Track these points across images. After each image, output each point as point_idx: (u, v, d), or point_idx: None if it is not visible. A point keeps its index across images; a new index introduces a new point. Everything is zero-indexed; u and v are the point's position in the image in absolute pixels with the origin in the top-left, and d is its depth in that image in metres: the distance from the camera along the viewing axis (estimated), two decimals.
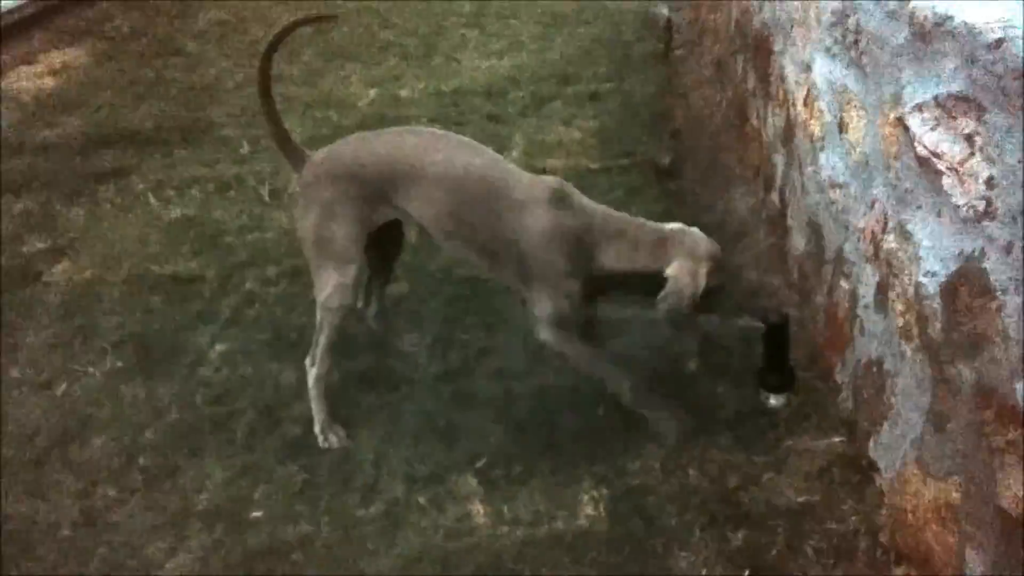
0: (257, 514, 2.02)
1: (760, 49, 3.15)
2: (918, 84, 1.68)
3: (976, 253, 1.47)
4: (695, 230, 2.09)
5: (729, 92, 3.75)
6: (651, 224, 2.11)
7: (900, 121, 1.76)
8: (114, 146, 3.81)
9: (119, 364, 2.52)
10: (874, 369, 1.97)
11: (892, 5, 1.82)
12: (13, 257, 3.04)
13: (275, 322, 2.66)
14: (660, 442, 2.13)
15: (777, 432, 2.15)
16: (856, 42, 2.07)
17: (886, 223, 1.87)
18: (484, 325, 2.59)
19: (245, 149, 3.71)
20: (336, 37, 4.92)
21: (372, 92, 4.24)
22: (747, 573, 1.82)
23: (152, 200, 3.39)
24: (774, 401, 2.23)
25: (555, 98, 4.07)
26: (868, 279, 2.00)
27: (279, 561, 1.91)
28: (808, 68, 2.48)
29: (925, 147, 1.63)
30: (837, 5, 2.20)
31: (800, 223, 2.57)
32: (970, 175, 1.48)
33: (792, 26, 2.69)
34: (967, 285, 1.51)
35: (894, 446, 1.85)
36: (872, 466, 1.96)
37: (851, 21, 2.10)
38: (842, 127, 2.19)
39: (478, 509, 2.00)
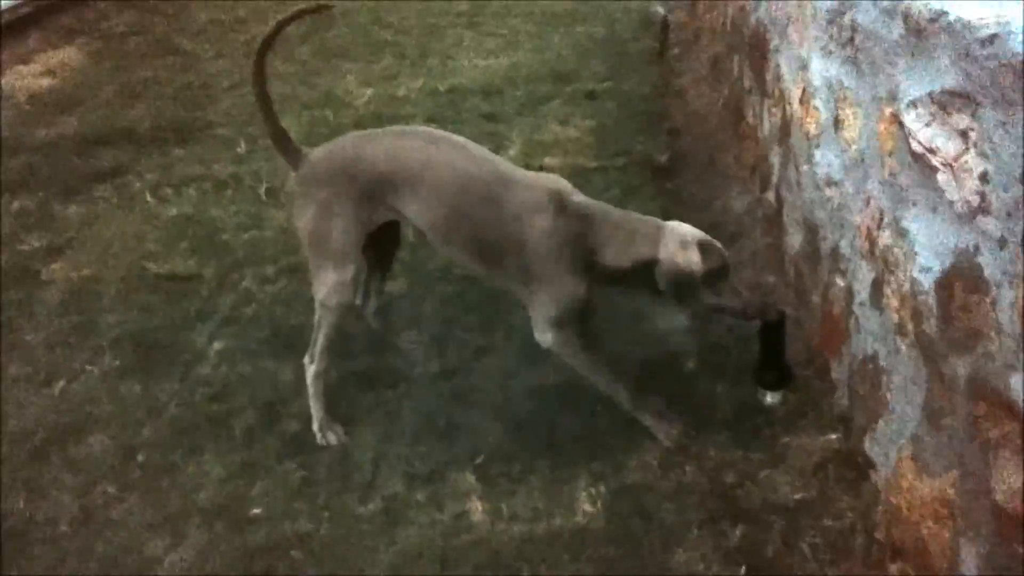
0: (256, 511, 2.02)
1: (756, 47, 3.16)
2: (913, 80, 1.69)
3: (971, 248, 1.48)
4: (686, 225, 2.11)
5: (725, 90, 3.76)
6: (647, 217, 2.13)
7: (895, 117, 1.77)
8: (111, 145, 3.82)
9: (117, 362, 2.52)
10: (870, 366, 1.98)
11: (887, 3, 1.83)
12: (11, 256, 3.04)
13: (273, 320, 2.66)
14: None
15: (774, 429, 2.16)
16: (852, 39, 2.08)
17: (881, 220, 1.88)
18: (483, 323, 2.60)
19: (242, 148, 3.71)
20: (333, 36, 4.93)
21: (369, 91, 4.24)
22: (744, 569, 1.83)
23: (149, 199, 3.39)
24: (771, 399, 2.24)
25: (552, 97, 4.08)
26: (864, 276, 2.01)
27: (278, 558, 1.91)
28: (804, 66, 2.49)
29: (920, 143, 1.64)
30: (833, 3, 2.22)
31: (796, 221, 2.57)
32: (965, 171, 1.49)
33: (788, 24, 2.71)
34: (962, 280, 1.52)
35: (890, 442, 1.86)
36: (868, 462, 1.97)
37: (846, 18, 2.11)
38: (838, 124, 2.20)
39: (477, 506, 2.01)
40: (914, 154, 1.68)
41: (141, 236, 3.15)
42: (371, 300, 2.50)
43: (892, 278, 1.82)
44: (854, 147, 2.08)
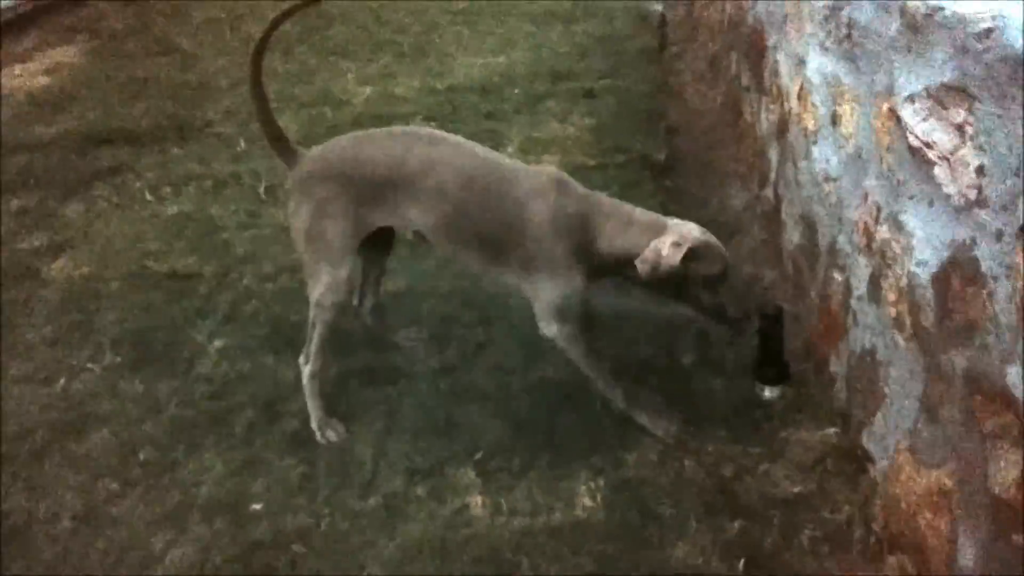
0: (257, 507, 2.03)
1: (754, 45, 3.17)
2: (910, 75, 1.70)
3: (967, 241, 1.49)
4: (693, 223, 2.11)
5: (723, 88, 3.77)
6: (651, 212, 2.13)
7: (892, 112, 1.78)
8: (110, 144, 3.82)
9: (118, 360, 2.53)
10: (867, 360, 1.99)
11: None
12: (11, 255, 3.05)
13: (273, 318, 2.67)
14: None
15: (772, 424, 2.17)
16: (848, 35, 2.09)
17: (879, 214, 1.89)
18: (482, 320, 2.60)
19: (241, 147, 3.72)
20: (331, 35, 4.93)
21: (367, 90, 4.24)
22: (743, 562, 1.84)
23: (149, 197, 3.40)
24: (769, 393, 2.25)
25: (550, 95, 4.08)
26: (861, 271, 2.02)
27: (279, 553, 1.92)
28: (801, 62, 2.50)
29: (917, 137, 1.65)
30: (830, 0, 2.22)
31: (794, 217, 2.58)
32: (961, 164, 1.50)
33: (785, 21, 2.72)
34: (958, 273, 1.53)
35: (887, 436, 1.87)
36: (866, 456, 1.98)
37: (843, 14, 2.12)
38: (835, 120, 2.21)
39: (476, 501, 2.02)
40: (911, 148, 1.69)
41: (141, 235, 3.16)
42: (367, 299, 2.51)
43: (890, 272, 1.83)
44: (851, 142, 2.09)
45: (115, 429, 2.28)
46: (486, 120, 3.85)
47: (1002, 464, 1.41)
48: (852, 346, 2.08)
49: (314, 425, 2.23)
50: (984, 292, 1.45)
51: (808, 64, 2.42)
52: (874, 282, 1.94)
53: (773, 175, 2.86)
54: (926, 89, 1.63)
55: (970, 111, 1.48)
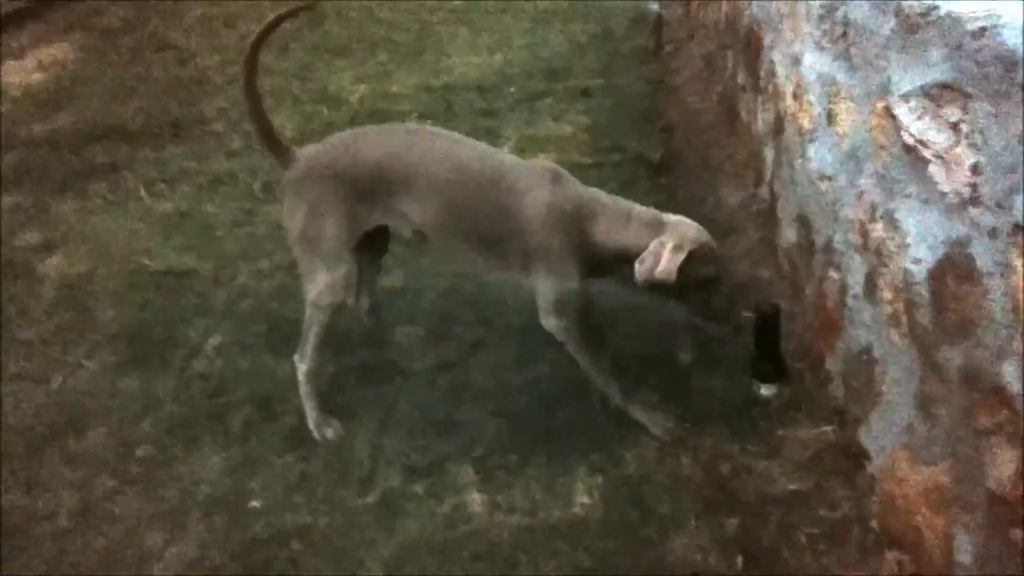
0: (255, 504, 2.03)
1: (750, 44, 3.18)
2: (905, 74, 1.71)
3: (962, 239, 1.50)
4: (690, 220, 2.11)
5: (719, 87, 3.78)
6: (648, 209, 2.13)
7: (887, 111, 1.79)
8: (105, 141, 3.81)
9: (114, 357, 2.52)
10: (864, 358, 2.00)
11: None
12: (6, 252, 3.04)
13: (269, 315, 2.67)
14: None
15: (769, 421, 2.18)
16: (844, 34, 2.10)
17: (874, 212, 1.90)
18: (479, 318, 2.60)
19: (236, 144, 3.71)
20: (326, 32, 4.92)
21: (363, 87, 4.24)
22: (740, 559, 1.85)
23: (144, 194, 3.39)
24: (766, 391, 2.26)
25: (546, 94, 4.08)
26: (857, 269, 2.03)
27: (278, 550, 1.92)
28: (797, 62, 2.50)
29: (912, 136, 1.66)
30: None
31: (790, 216, 2.59)
32: (956, 162, 1.51)
33: (781, 21, 2.72)
34: (954, 271, 1.54)
35: (884, 433, 1.89)
36: (863, 453, 1.99)
37: (839, 13, 2.13)
38: (831, 119, 2.22)
39: (475, 498, 2.02)
40: (906, 147, 1.70)
41: (136, 232, 3.15)
42: (364, 298, 2.51)
43: (885, 270, 1.84)
44: (847, 141, 2.10)
45: (112, 427, 2.28)
46: (482, 118, 3.85)
47: (998, 460, 1.43)
48: (848, 344, 2.09)
49: (311, 424, 2.23)
50: (979, 289, 1.46)
51: (804, 63, 2.43)
52: (870, 280, 1.95)
53: (769, 174, 2.87)
54: (921, 88, 1.64)
55: (965, 109, 1.49)
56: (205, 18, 5.24)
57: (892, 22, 1.78)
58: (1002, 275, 1.40)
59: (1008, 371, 1.39)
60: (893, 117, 1.77)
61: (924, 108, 1.64)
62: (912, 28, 1.68)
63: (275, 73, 4.31)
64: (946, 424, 1.60)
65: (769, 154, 2.87)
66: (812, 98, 2.37)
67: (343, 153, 2.18)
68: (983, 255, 1.45)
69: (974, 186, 1.47)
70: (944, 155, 1.56)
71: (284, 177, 2.22)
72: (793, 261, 2.56)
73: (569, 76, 4.25)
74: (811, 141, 2.37)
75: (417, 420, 2.25)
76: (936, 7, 1.58)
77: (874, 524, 1.86)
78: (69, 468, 2.15)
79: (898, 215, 1.77)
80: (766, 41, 2.93)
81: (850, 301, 2.08)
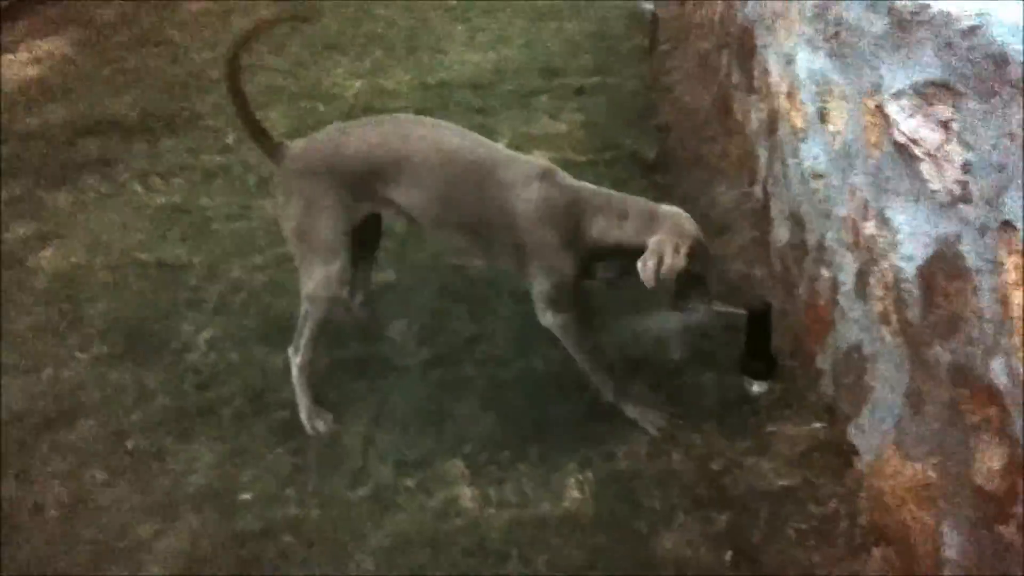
0: (246, 496, 2.03)
1: (744, 43, 3.19)
2: (897, 72, 1.72)
3: (952, 236, 1.51)
4: (683, 212, 2.12)
5: (714, 86, 3.78)
6: (640, 200, 2.13)
7: (879, 109, 1.80)
8: (99, 135, 3.80)
9: (106, 350, 2.52)
10: (854, 355, 2.01)
11: None
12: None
13: (262, 308, 2.67)
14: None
15: (760, 418, 2.19)
16: (837, 33, 2.11)
17: (866, 210, 1.91)
18: (472, 313, 2.61)
19: (230, 139, 3.70)
20: (322, 29, 4.91)
21: (358, 84, 4.24)
22: (730, 554, 1.86)
23: (137, 188, 3.38)
24: (757, 388, 2.27)
25: (541, 92, 4.08)
26: (848, 267, 2.04)
27: (268, 542, 1.92)
28: (790, 61, 2.51)
29: (903, 134, 1.67)
30: None
31: (783, 214, 2.60)
32: (947, 160, 1.52)
33: (775, 20, 2.73)
34: (944, 268, 1.55)
35: (873, 429, 1.90)
36: (852, 450, 2.01)
37: (832, 13, 2.14)
38: (824, 118, 2.23)
39: (466, 492, 2.03)
40: (898, 145, 1.71)
41: (129, 225, 3.14)
42: (358, 292, 2.51)
43: (876, 268, 1.85)
44: (839, 140, 2.11)
45: (103, 418, 2.27)
46: (477, 115, 3.85)
47: (986, 456, 1.44)
48: (839, 341, 2.10)
49: (303, 416, 2.23)
50: (969, 286, 1.48)
51: (797, 62, 2.44)
52: (861, 278, 1.96)
53: (762, 172, 2.88)
54: (912, 86, 1.65)
55: (955, 108, 1.51)
56: (199, 14, 5.23)
57: (884, 21, 1.79)
58: (991, 272, 1.42)
59: (996, 367, 1.40)
60: (885, 115, 1.78)
61: (915, 106, 1.65)
62: (904, 27, 1.69)
63: (270, 69, 4.31)
64: (935, 420, 1.61)
65: (763, 153, 2.88)
66: (805, 97, 2.38)
67: (334, 145, 2.18)
68: (972, 252, 1.46)
69: (964, 184, 1.48)
70: (935, 153, 1.57)
71: (277, 172, 2.22)
72: (786, 259, 2.57)
73: (564, 74, 4.26)
74: (804, 140, 2.39)
75: (409, 414, 2.25)
76: (927, 6, 1.59)
77: (863, 520, 1.87)
78: (60, 459, 2.15)
79: (889, 213, 1.78)
80: (760, 40, 2.94)
81: (841, 299, 2.09)
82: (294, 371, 2.24)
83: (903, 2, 1.68)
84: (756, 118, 2.99)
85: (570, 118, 3.83)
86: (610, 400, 2.19)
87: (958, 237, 1.50)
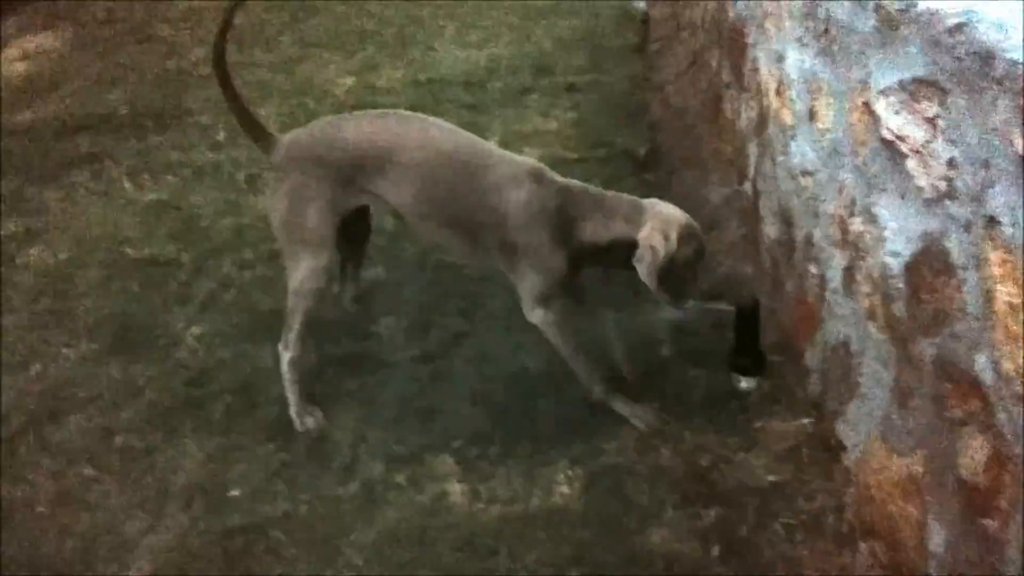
0: (235, 492, 2.03)
1: (734, 42, 3.20)
2: (884, 70, 1.73)
3: (938, 232, 1.52)
4: (668, 203, 2.13)
5: (704, 85, 3.80)
6: (626, 196, 2.15)
7: (867, 107, 1.81)
8: (88, 131, 3.79)
9: (94, 346, 2.51)
10: (841, 351, 2.02)
11: None
12: None
13: (252, 305, 2.66)
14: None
15: (748, 414, 2.20)
16: (826, 31, 2.12)
17: (853, 207, 1.92)
18: (462, 309, 2.61)
19: (221, 136, 3.69)
20: (313, 26, 4.91)
21: (349, 80, 4.23)
22: (718, 549, 1.86)
23: (127, 185, 3.37)
24: (745, 384, 2.28)
25: (533, 89, 4.09)
26: (836, 263, 2.05)
27: (257, 538, 1.92)
28: (780, 59, 2.52)
29: (890, 131, 1.68)
30: None
31: (772, 211, 2.62)
32: (933, 157, 1.53)
33: (765, 18, 2.74)
34: (929, 264, 1.56)
35: (860, 424, 1.91)
36: (840, 445, 2.02)
37: (821, 11, 2.15)
38: (812, 115, 2.24)
39: (455, 488, 2.03)
40: (884, 142, 1.72)
41: (118, 221, 3.13)
42: (347, 288, 2.51)
43: (863, 264, 1.86)
44: (828, 137, 2.12)
45: (91, 415, 2.27)
46: (468, 113, 3.85)
47: (970, 450, 1.45)
48: (827, 337, 2.12)
49: (293, 412, 2.22)
50: (954, 282, 1.49)
51: (787, 60, 2.45)
52: (848, 274, 1.97)
53: (752, 170, 2.89)
54: (899, 83, 1.66)
55: (942, 104, 1.51)
56: (190, 10, 5.22)
57: (872, 19, 1.80)
58: (976, 267, 1.42)
59: (980, 362, 1.41)
60: (872, 113, 1.78)
61: (902, 103, 1.66)
62: (891, 24, 1.70)
63: (261, 66, 4.30)
64: (920, 415, 1.62)
65: (753, 151, 2.89)
66: (794, 94, 2.39)
67: (325, 138, 2.18)
68: (958, 248, 1.47)
69: (950, 180, 1.49)
70: (921, 150, 1.58)
71: (268, 164, 2.21)
72: (775, 256, 2.58)
73: (556, 72, 4.27)
74: (793, 137, 2.40)
75: (398, 410, 2.25)
76: (914, 4, 1.60)
77: (850, 514, 1.88)
78: (47, 456, 2.14)
79: (876, 209, 1.79)
80: (750, 39, 2.95)
81: (829, 295, 2.10)
82: (283, 367, 2.23)
83: (891, 0, 1.69)
84: (746, 116, 3.00)
85: (561, 116, 3.84)
86: (599, 396, 2.20)
87: (943, 233, 1.51)
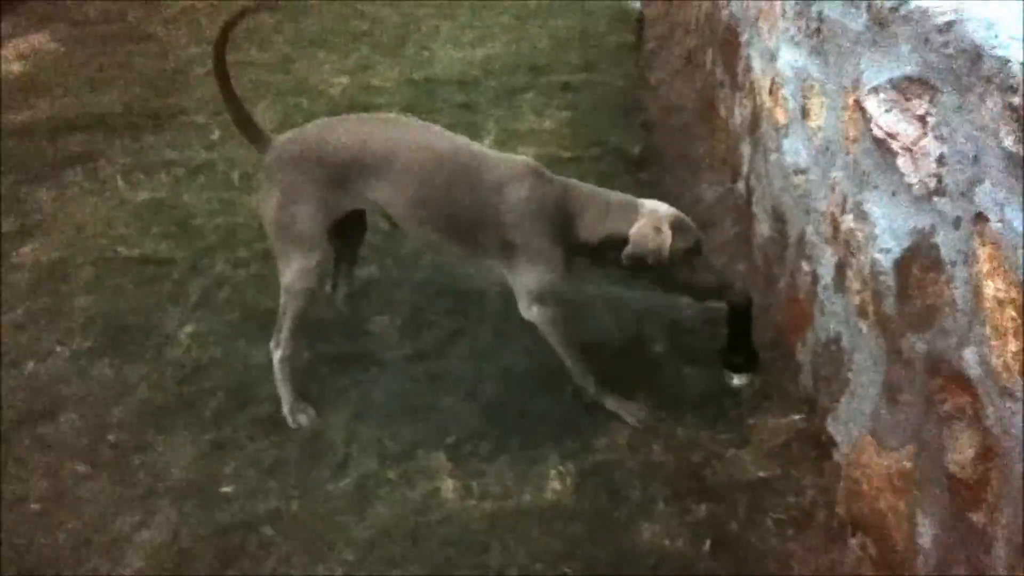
0: (227, 489, 2.03)
1: (728, 41, 3.21)
2: (875, 68, 1.74)
3: (927, 229, 1.53)
4: (662, 202, 2.15)
5: (699, 84, 3.81)
6: (622, 194, 2.17)
7: (858, 104, 1.82)
8: (82, 130, 3.78)
9: (87, 344, 2.51)
10: (833, 347, 2.03)
11: None
12: None
13: (245, 303, 2.66)
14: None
15: (740, 410, 2.21)
16: (818, 30, 2.13)
17: (845, 204, 1.93)
18: (455, 308, 2.61)
19: (215, 135, 3.69)
20: (308, 25, 4.91)
21: (344, 80, 4.24)
22: (708, 544, 1.87)
23: (121, 183, 3.37)
24: (738, 381, 2.29)
25: (527, 88, 4.10)
26: (828, 260, 2.06)
27: (249, 535, 1.92)
28: (773, 58, 2.53)
29: (881, 129, 1.69)
30: None
31: (765, 210, 2.62)
32: (923, 154, 1.54)
33: (758, 17, 2.75)
34: (919, 260, 1.57)
35: (851, 420, 1.91)
36: (830, 441, 2.02)
37: (813, 10, 2.16)
38: (805, 114, 2.25)
39: (447, 484, 2.03)
40: (875, 139, 1.73)
41: (112, 220, 3.13)
42: (341, 287, 2.51)
43: (854, 261, 1.87)
44: (820, 135, 2.12)
45: (84, 412, 2.27)
46: (463, 112, 3.86)
47: (959, 445, 1.45)
48: (818, 334, 2.12)
49: (285, 410, 2.23)
50: (943, 278, 1.49)
51: (779, 59, 2.46)
52: (840, 271, 1.98)
53: (745, 169, 2.90)
54: (890, 81, 1.67)
55: (931, 102, 1.52)
56: (184, 10, 5.22)
57: (864, 17, 1.81)
58: (965, 263, 1.43)
59: (969, 357, 1.41)
60: (863, 110, 1.79)
61: (893, 101, 1.67)
62: (882, 23, 1.71)
63: (256, 65, 4.30)
64: (910, 410, 1.63)
65: (746, 149, 2.90)
66: (787, 93, 2.40)
67: (317, 139, 2.18)
68: (947, 244, 1.48)
69: (939, 177, 1.50)
70: (911, 147, 1.59)
71: (260, 163, 2.22)
72: (767, 254, 2.59)
73: (551, 71, 4.27)
74: (786, 136, 2.41)
75: (391, 407, 2.26)
76: (905, 2, 1.61)
77: (840, 509, 1.89)
78: (40, 453, 2.14)
79: (867, 207, 1.80)
80: (743, 38, 2.97)
81: (821, 292, 2.11)
82: (275, 365, 2.24)
83: None
84: (740, 115, 3.01)
85: (556, 115, 3.84)
86: (592, 393, 2.21)
87: (933, 229, 1.52)
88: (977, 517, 1.41)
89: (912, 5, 1.59)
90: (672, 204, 2.20)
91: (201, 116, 3.88)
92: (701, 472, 2.04)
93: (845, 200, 1.94)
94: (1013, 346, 1.29)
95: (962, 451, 1.45)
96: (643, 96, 4.04)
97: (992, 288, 1.34)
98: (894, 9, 1.65)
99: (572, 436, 2.15)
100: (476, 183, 2.08)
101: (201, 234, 3.02)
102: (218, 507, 1.99)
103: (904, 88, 1.62)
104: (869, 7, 1.78)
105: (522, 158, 2.19)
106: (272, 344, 2.24)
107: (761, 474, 2.02)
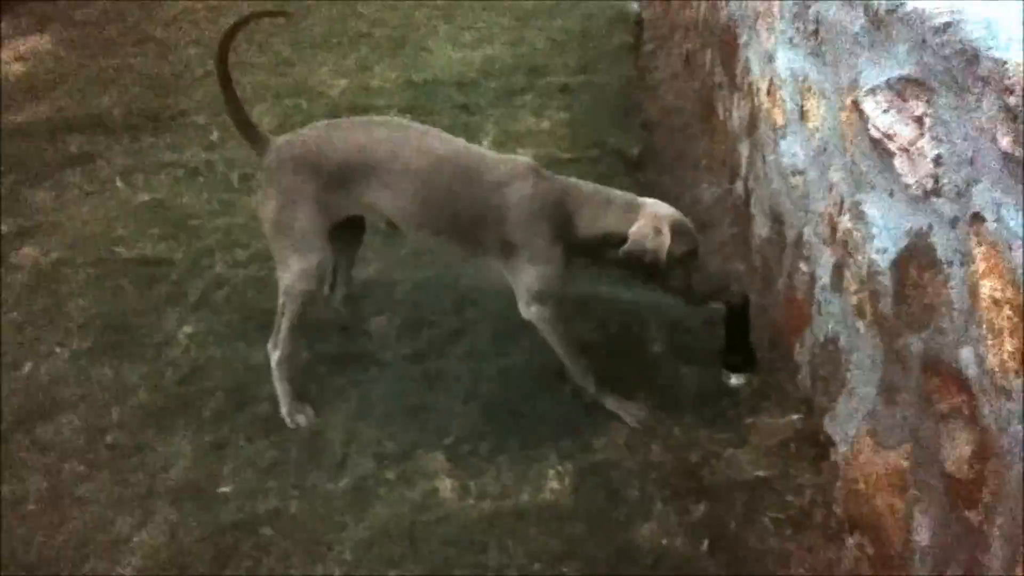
0: (226, 489, 2.04)
1: (726, 42, 3.22)
2: (873, 69, 1.75)
3: (924, 229, 1.54)
4: (662, 202, 2.15)
5: (697, 85, 3.82)
6: (623, 193, 2.17)
7: (856, 105, 1.83)
8: (82, 132, 3.79)
9: (86, 345, 2.51)
10: (830, 347, 2.03)
11: None
12: None
13: (244, 304, 2.67)
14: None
15: (738, 410, 2.21)
16: (816, 31, 2.13)
17: (842, 205, 1.94)
18: (453, 308, 2.62)
19: (215, 136, 3.70)
20: (307, 27, 4.92)
21: (343, 82, 4.24)
22: (706, 543, 1.88)
23: (120, 185, 3.37)
24: (736, 381, 2.29)
25: (526, 89, 4.10)
26: (825, 261, 2.07)
27: (248, 534, 1.92)
28: (771, 59, 2.54)
29: (878, 129, 1.69)
30: None
31: (763, 210, 2.63)
32: (920, 155, 1.55)
33: (756, 19, 2.76)
34: (916, 260, 1.57)
35: (848, 420, 1.92)
36: (828, 440, 2.03)
37: (811, 11, 2.16)
38: (803, 115, 2.25)
39: (446, 484, 2.04)
40: (873, 140, 1.73)
41: (111, 221, 3.13)
42: (339, 288, 2.51)
43: (851, 261, 1.88)
44: (818, 136, 2.13)
45: (82, 413, 2.27)
46: (462, 113, 3.86)
47: (955, 444, 1.46)
48: (816, 334, 2.13)
49: (284, 410, 2.23)
50: (940, 278, 1.50)
51: (777, 60, 2.47)
52: (837, 271, 1.98)
53: (743, 170, 2.90)
54: (887, 82, 1.68)
55: (928, 103, 1.53)
56: (184, 12, 5.22)
57: (861, 19, 1.82)
58: (961, 263, 1.44)
59: (965, 357, 1.42)
60: (861, 111, 1.80)
61: (890, 102, 1.68)
62: (879, 24, 1.72)
63: (255, 67, 4.30)
64: (907, 410, 1.63)
65: (744, 150, 2.91)
66: (785, 94, 2.41)
67: (317, 142, 2.18)
68: (944, 244, 1.49)
69: (936, 177, 1.51)
70: (908, 148, 1.59)
71: (260, 165, 2.22)
72: (765, 255, 2.59)
73: (549, 72, 4.28)
74: (784, 137, 2.41)
75: (390, 407, 2.26)
76: (902, 3, 1.62)
77: (838, 508, 1.89)
78: (38, 454, 2.14)
79: (864, 207, 1.80)
80: (742, 39, 2.97)
81: (819, 292, 2.12)
82: (273, 366, 2.24)
83: (879, 0, 1.70)
84: (738, 116, 3.01)
85: (555, 116, 3.85)
86: (591, 393, 2.21)
87: (930, 229, 1.52)
88: (974, 516, 1.41)
89: (909, 6, 1.59)
90: (671, 205, 2.21)
91: (200, 117, 3.89)
92: (699, 472, 2.04)
93: (843, 201, 1.94)
94: (1009, 345, 1.29)
95: (958, 450, 1.45)
96: (642, 97, 4.04)
97: (988, 288, 1.35)
98: (891, 10, 1.66)
99: (571, 436, 2.15)
100: (477, 184, 2.09)
101: (200, 235, 3.03)
102: (217, 507, 1.99)
103: (901, 89, 1.63)
104: (866, 8, 1.78)
105: (522, 158, 2.19)
106: (270, 345, 2.25)
107: (759, 473, 2.02)
